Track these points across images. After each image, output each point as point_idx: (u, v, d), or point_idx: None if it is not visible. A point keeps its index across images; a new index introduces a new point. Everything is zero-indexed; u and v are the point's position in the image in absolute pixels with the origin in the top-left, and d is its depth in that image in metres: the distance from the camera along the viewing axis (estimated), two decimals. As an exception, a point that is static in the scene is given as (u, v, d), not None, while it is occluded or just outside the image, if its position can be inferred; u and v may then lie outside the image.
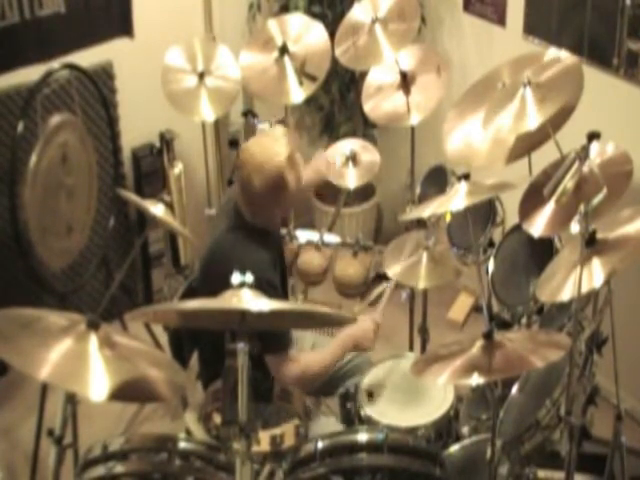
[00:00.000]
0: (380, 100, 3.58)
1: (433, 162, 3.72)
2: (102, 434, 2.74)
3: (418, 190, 3.68)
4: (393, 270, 3.24)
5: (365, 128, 4.56)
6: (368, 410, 3.01)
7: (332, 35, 3.66)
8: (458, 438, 2.99)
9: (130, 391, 2.10)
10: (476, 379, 2.29)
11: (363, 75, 3.76)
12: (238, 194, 2.99)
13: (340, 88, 4.51)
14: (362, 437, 2.60)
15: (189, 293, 3.25)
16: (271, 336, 2.79)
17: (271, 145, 2.93)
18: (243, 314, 2.20)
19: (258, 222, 2.99)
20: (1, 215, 3.79)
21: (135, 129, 4.27)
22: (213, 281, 2.43)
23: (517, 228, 3.18)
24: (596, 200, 2.47)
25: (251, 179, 2.88)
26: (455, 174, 2.87)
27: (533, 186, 2.91)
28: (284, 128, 2.99)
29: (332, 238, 3.72)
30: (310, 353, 3.16)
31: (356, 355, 3.27)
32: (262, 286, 2.33)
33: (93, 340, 2.12)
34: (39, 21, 3.81)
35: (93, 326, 2.14)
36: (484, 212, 3.41)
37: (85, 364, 2.07)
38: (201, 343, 3.16)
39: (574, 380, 2.55)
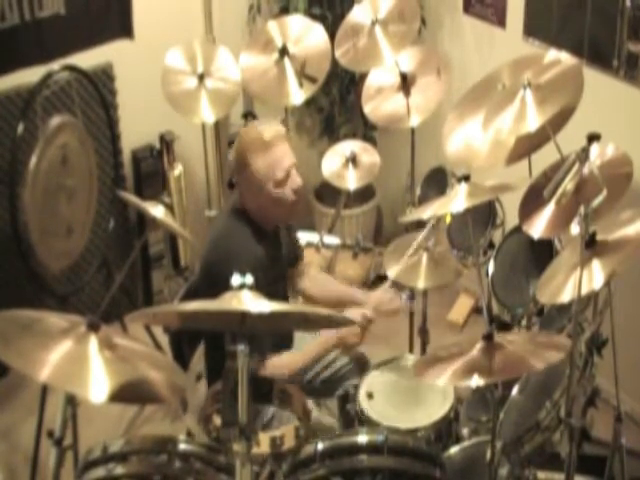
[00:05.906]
0: (380, 102, 3.58)
1: (433, 164, 3.72)
2: (102, 436, 2.73)
3: (418, 192, 3.69)
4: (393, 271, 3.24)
5: (365, 130, 4.57)
6: (368, 411, 3.00)
7: (332, 37, 3.67)
8: (458, 440, 2.99)
9: (130, 393, 2.10)
10: (476, 381, 2.29)
11: (363, 77, 3.76)
12: None
13: (340, 90, 4.51)
14: (362, 439, 2.59)
15: (189, 294, 3.24)
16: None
17: (258, 126, 2.96)
18: (243, 315, 2.20)
19: (240, 203, 2.97)
20: (1, 217, 3.78)
21: (135, 131, 4.27)
22: (209, 269, 2.39)
23: (517, 230, 3.18)
24: (596, 202, 2.46)
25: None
26: (455, 176, 2.86)
27: (533, 188, 2.91)
28: (284, 129, 2.98)
29: (332, 239, 3.72)
30: (281, 356, 3.02)
31: (354, 356, 3.26)
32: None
33: (93, 342, 2.12)
34: (39, 22, 3.81)
35: (93, 328, 2.14)
36: (484, 214, 3.41)
37: (85, 366, 2.06)
38: (207, 341, 3.15)
39: (574, 382, 2.55)
